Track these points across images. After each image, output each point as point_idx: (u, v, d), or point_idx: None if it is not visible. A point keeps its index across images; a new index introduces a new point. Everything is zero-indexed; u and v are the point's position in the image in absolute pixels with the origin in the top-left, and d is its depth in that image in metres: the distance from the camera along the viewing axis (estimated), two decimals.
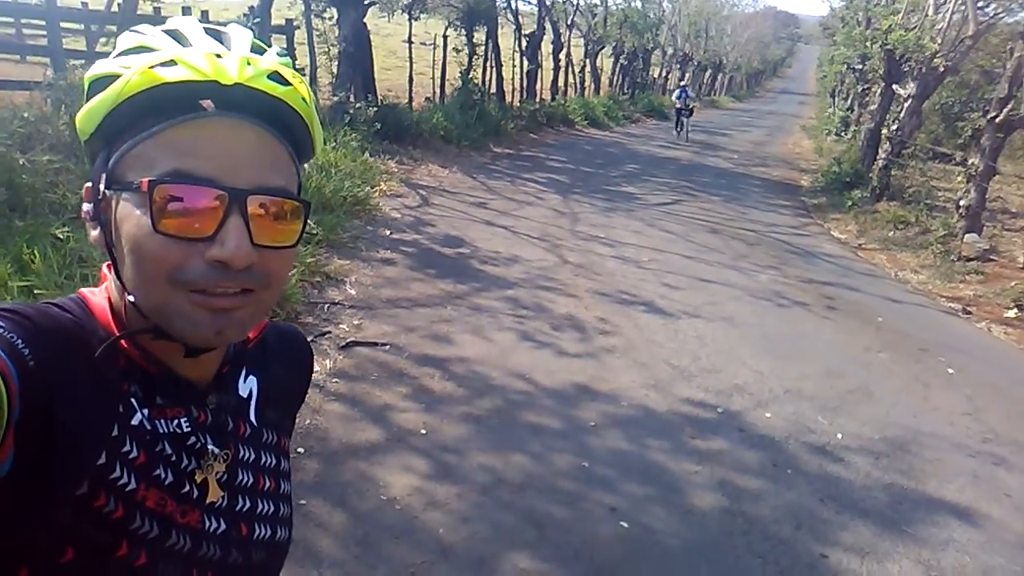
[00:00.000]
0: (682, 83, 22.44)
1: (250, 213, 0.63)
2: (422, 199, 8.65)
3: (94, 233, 0.68)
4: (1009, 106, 9.05)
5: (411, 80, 13.18)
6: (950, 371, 5.36)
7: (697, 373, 4.73)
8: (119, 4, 9.39)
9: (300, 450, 3.31)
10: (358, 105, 10.16)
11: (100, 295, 0.71)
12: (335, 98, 10.22)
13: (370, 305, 5.13)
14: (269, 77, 0.65)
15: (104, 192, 0.65)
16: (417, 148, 11.07)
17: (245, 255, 0.62)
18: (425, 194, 8.91)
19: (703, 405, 4.31)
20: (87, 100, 0.65)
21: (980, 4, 11.17)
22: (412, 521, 2.97)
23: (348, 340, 4.48)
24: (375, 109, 10.36)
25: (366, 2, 10.91)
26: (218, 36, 0.68)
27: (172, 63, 0.62)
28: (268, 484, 0.80)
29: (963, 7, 10.88)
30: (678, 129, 19.53)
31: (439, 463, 3.39)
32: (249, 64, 0.64)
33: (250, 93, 0.63)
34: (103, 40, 11.73)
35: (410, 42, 13.18)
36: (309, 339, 4.33)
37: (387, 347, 4.48)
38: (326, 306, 4.98)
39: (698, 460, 3.69)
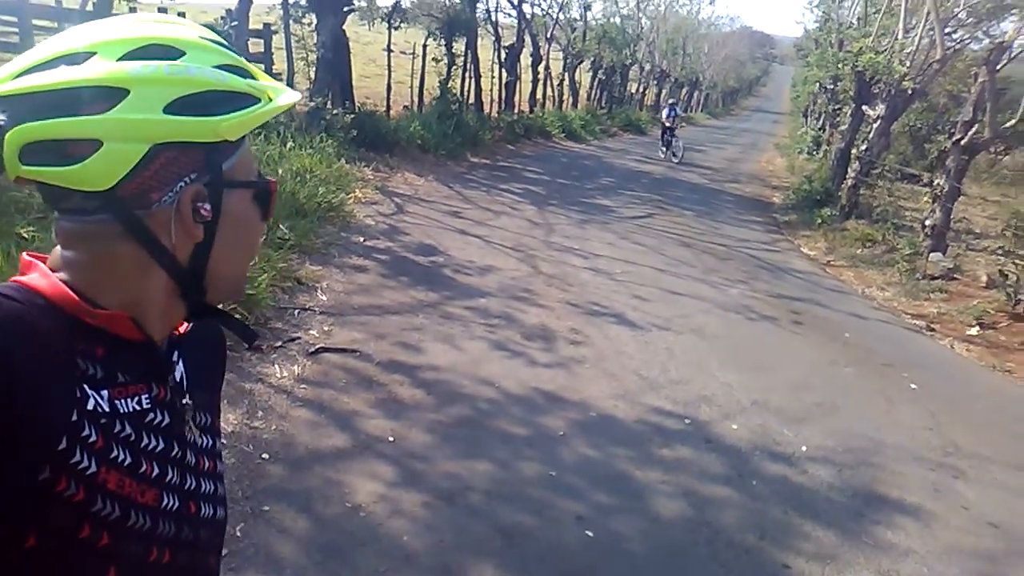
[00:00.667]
0: (671, 100, 21.02)
1: None
2: (397, 207, 8.63)
3: (197, 231, 0.72)
4: (973, 129, 9.29)
5: (389, 88, 13.18)
6: (913, 386, 5.46)
7: (666, 384, 4.77)
8: (94, 3, 9.27)
9: (264, 455, 3.28)
10: (335, 111, 10.12)
11: (47, 280, 0.68)
12: (312, 104, 10.17)
13: (341, 311, 5.10)
14: None
15: (223, 190, 0.73)
16: (394, 156, 11.05)
17: None
18: (400, 202, 8.89)
19: (671, 416, 4.34)
20: (216, 110, 0.70)
21: (947, 30, 11.50)
22: (377, 528, 2.94)
23: (317, 346, 4.45)
24: (352, 116, 10.33)
25: (345, 9, 10.89)
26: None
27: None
28: (207, 464, 0.82)
29: (931, 32, 11.18)
30: (665, 148, 18.51)
31: (406, 470, 3.37)
32: None
33: None
34: None
35: (389, 50, 13.19)
36: (277, 344, 4.33)
37: (357, 354, 4.45)
38: (296, 311, 4.94)
39: (665, 470, 3.72)
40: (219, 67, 0.71)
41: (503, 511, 3.19)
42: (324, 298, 5.29)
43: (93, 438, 0.64)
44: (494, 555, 2.91)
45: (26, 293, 0.66)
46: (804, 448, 4.17)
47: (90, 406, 0.65)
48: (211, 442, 0.85)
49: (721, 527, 3.31)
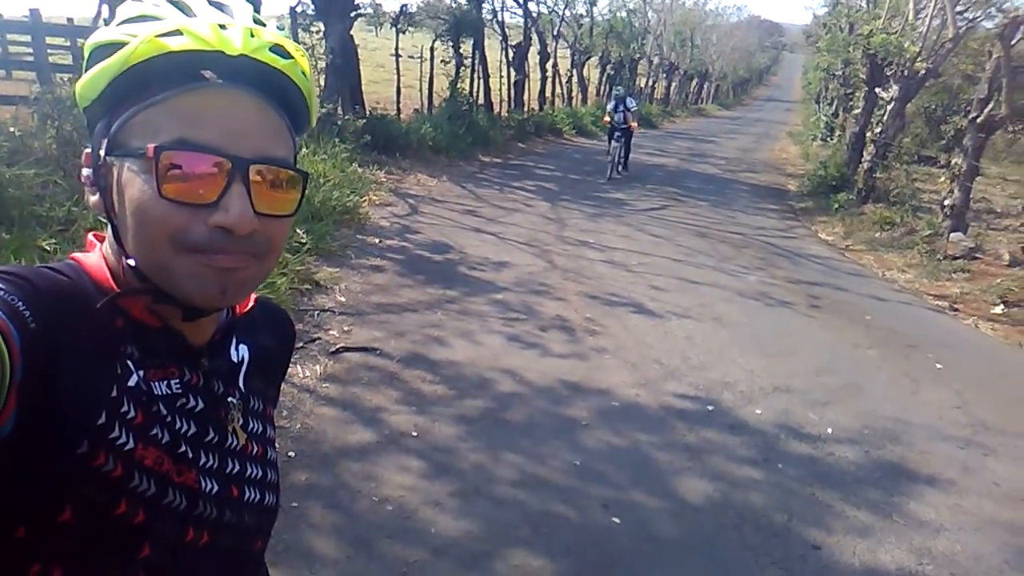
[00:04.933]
0: (618, 90, 13.68)
1: (252, 182, 0.64)
2: (411, 208, 8.67)
3: (93, 199, 0.69)
4: (989, 106, 9.17)
5: (399, 92, 13.24)
6: (938, 366, 5.40)
7: (687, 372, 4.75)
8: (105, 20, 9.41)
9: (291, 453, 3.30)
10: (346, 116, 10.18)
11: (95, 258, 0.71)
12: (323, 110, 10.23)
13: (360, 311, 5.13)
14: (271, 49, 0.66)
15: (105, 158, 0.66)
16: (406, 158, 11.10)
17: (248, 222, 0.64)
18: (414, 203, 8.93)
19: (694, 401, 4.32)
20: (87, 68, 0.66)
21: (959, 9, 11.36)
22: (405, 521, 2.96)
23: (338, 346, 4.48)
24: (363, 120, 10.39)
25: (352, 14, 10.95)
26: (220, 7, 0.68)
27: (178, 32, 0.63)
28: (256, 449, 0.81)
29: (942, 11, 11.05)
30: (609, 159, 12.85)
31: (431, 463, 3.39)
32: (253, 35, 0.65)
33: (253, 64, 0.65)
34: None
35: (397, 55, 13.24)
36: (299, 345, 4.35)
37: (377, 352, 4.48)
38: (316, 313, 4.97)
39: (689, 456, 3.70)
40: (125, 21, 0.66)
41: (530, 500, 3.19)
42: (343, 299, 5.32)
43: (132, 414, 0.64)
44: (522, 544, 2.91)
45: (76, 270, 0.69)
46: (830, 430, 4.13)
47: (131, 383, 0.65)
48: (262, 428, 0.84)
49: (748, 510, 3.29)
